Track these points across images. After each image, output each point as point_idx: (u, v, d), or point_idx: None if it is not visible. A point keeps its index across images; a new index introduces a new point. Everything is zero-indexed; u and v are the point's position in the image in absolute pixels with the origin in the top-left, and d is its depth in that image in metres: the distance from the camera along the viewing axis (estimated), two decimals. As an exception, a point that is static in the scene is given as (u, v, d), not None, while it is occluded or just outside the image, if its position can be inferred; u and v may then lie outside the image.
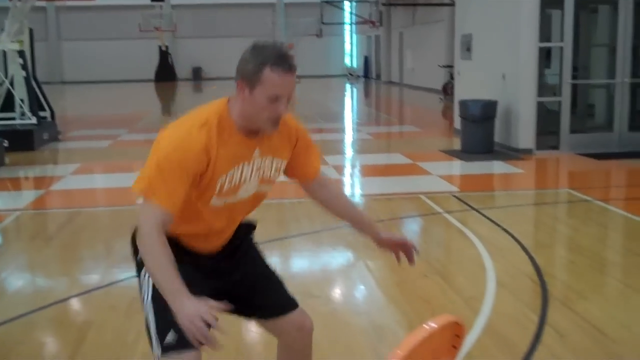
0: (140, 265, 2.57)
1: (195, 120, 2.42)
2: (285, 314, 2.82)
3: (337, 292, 5.28)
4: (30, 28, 15.43)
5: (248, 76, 2.35)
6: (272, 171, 2.63)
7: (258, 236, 2.91)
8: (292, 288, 2.90)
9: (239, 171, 2.50)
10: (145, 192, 2.36)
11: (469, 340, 4.25)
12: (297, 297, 2.87)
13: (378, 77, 36.79)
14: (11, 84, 14.22)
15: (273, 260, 5.72)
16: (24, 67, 14.08)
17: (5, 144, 12.10)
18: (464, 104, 11.52)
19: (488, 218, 7.14)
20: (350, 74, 40.72)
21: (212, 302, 2.26)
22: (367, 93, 31.08)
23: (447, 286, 5.27)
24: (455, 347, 2.47)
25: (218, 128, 2.41)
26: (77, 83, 38.99)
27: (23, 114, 14.15)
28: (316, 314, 3.02)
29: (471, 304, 4.87)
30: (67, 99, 29.59)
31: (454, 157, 11.11)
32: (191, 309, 2.21)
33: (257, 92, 2.34)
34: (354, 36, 43.09)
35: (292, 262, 6.07)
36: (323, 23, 37.55)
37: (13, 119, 14.30)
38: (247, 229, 2.83)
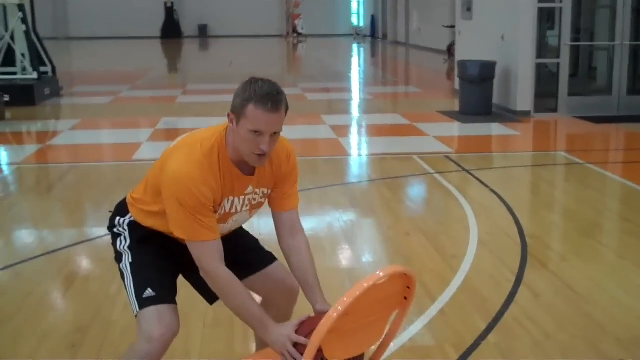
0: (116, 235, 2.79)
1: (199, 156, 2.50)
2: (264, 267, 2.92)
3: (319, 249, 5.35)
4: (31, -18, 15.34)
5: (236, 110, 2.45)
6: (260, 199, 2.73)
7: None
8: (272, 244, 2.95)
9: (230, 203, 2.62)
10: (190, 238, 2.51)
11: (445, 296, 4.35)
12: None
13: (385, 37, 36.52)
14: (12, 38, 14.22)
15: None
16: (24, 21, 14.04)
17: (6, 98, 12.16)
18: (462, 64, 11.49)
19: (478, 179, 7.19)
20: (357, 34, 40.40)
21: (291, 331, 2.40)
22: (371, 53, 30.91)
23: (429, 245, 5.34)
24: (407, 299, 2.55)
25: (218, 162, 2.52)
26: (83, 39, 38.78)
27: (24, 68, 14.17)
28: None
29: (451, 262, 4.95)
30: (71, 54, 29.52)
31: (451, 118, 11.11)
32: (275, 335, 2.42)
33: (242, 125, 2.44)
34: (362, -5, 42.69)
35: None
36: (330, -19, 37.30)
37: (14, 73, 14.33)
38: None
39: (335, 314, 2.21)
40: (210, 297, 2.81)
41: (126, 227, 2.76)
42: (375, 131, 10.65)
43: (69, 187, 7.35)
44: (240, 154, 2.51)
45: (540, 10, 11.02)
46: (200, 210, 2.47)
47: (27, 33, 14.15)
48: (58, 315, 4.16)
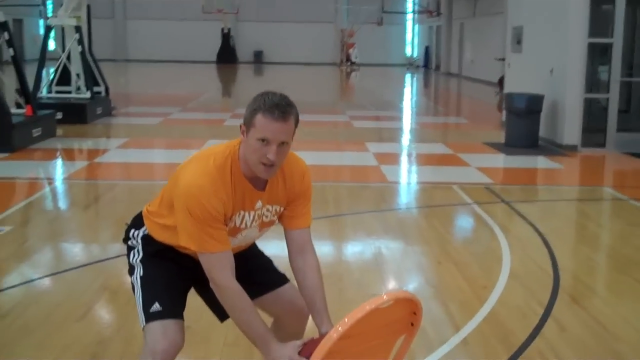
0: (130, 248, 2.83)
1: (212, 169, 2.54)
2: (276, 288, 2.92)
3: (348, 274, 5.33)
4: (88, 5, 15.75)
5: (246, 121, 2.52)
6: (272, 216, 2.75)
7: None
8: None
9: (240, 217, 2.64)
10: (201, 250, 2.54)
11: (469, 326, 4.28)
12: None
13: (438, 68, 36.51)
14: (68, 58, 14.60)
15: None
16: (80, 42, 14.41)
17: (59, 116, 12.49)
18: (509, 96, 11.40)
19: (517, 212, 7.10)
20: (410, 64, 40.48)
21: (294, 352, 2.41)
22: (423, 83, 30.89)
23: (460, 274, 5.28)
24: (413, 325, 2.52)
25: (231, 175, 2.56)
26: (140, 61, 39.66)
27: (78, 88, 14.54)
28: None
29: (480, 292, 4.88)
30: (128, 76, 30.14)
31: (496, 150, 11.01)
32: (277, 356, 2.45)
33: (250, 134, 2.48)
34: (416, 26, 42.79)
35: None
36: (384, 11, 37.43)
37: (69, 92, 14.71)
38: None
39: (335, 335, 2.20)
40: (221, 314, 2.81)
41: (140, 240, 2.80)
42: (418, 160, 10.62)
43: (112, 203, 7.48)
44: (250, 166, 2.54)
45: (592, 45, 10.89)
46: (210, 222, 2.50)
47: (82, 54, 14.52)
48: (83, 327, 4.20)
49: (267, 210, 2.71)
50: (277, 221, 2.80)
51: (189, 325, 4.05)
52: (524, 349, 3.99)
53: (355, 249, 5.84)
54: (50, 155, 10.25)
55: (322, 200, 7.45)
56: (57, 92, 14.81)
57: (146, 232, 2.80)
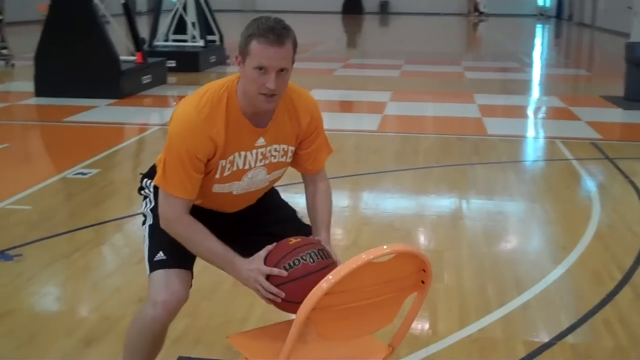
0: (144, 197, 2.72)
1: (205, 103, 2.38)
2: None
3: (419, 228, 5.11)
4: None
5: (241, 49, 2.33)
6: (281, 157, 2.57)
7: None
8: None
9: (241, 158, 2.47)
10: (162, 184, 2.41)
11: (535, 289, 4.01)
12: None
13: (570, 18, 34.77)
14: (184, 8, 14.81)
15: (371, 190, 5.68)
16: (196, -10, 14.57)
17: (172, 64, 12.75)
18: (630, 46, 10.62)
19: (619, 169, 6.61)
20: (541, 14, 38.77)
21: (260, 263, 2.30)
22: (550, 34, 29.50)
23: (540, 233, 5.00)
24: (424, 282, 2.33)
25: (226, 112, 2.39)
26: (268, 12, 39.94)
27: (193, 37, 14.74)
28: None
29: (557, 253, 4.57)
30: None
31: (613, 104, 10.32)
32: (244, 272, 2.32)
33: (247, 64, 2.30)
34: (550, -26, 40.85)
35: (390, 195, 5.91)
36: (516, -41, 35.91)
37: (185, 41, 14.96)
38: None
39: (325, 285, 2.02)
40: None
41: (152, 189, 2.66)
42: (524, 113, 10.09)
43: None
44: (248, 99, 2.36)
45: None
46: (186, 163, 2.34)
47: (197, 3, 14.67)
48: (139, 270, 4.16)
49: (275, 150, 2.52)
50: (288, 164, 2.62)
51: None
52: (589, 316, 3.70)
53: (432, 204, 5.60)
54: (156, 101, 10.46)
55: (413, 152, 7.23)
56: (173, 40, 15.10)
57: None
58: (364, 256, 2.05)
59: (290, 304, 2.27)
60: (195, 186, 2.41)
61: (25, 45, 13.85)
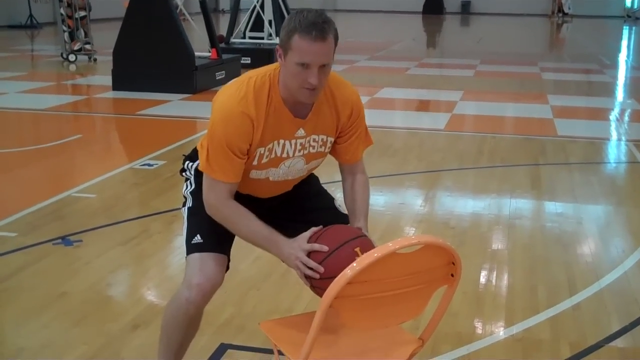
0: (185, 180, 2.77)
1: (247, 91, 2.40)
2: None
3: (474, 228, 5.05)
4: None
5: (282, 43, 2.33)
6: (319, 147, 2.58)
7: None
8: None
9: (280, 146, 2.49)
10: (206, 170, 2.45)
11: (588, 291, 3.93)
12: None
13: (659, 20, 33.67)
14: (262, 6, 14.98)
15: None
16: (273, -11, 14.73)
17: (247, 60, 12.94)
18: None
19: (693, 174, 6.40)
20: (629, 16, 37.62)
21: (303, 241, 2.33)
22: (636, 36, 28.58)
23: (599, 235, 4.87)
24: (454, 276, 2.31)
25: (267, 100, 2.41)
26: (349, 11, 39.93)
27: (270, 34, 14.91)
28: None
29: (615, 256, 4.46)
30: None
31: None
32: (286, 250, 2.36)
33: (289, 58, 2.31)
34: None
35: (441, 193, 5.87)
36: (603, -42, 34.93)
37: (261, 38, 15.15)
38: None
39: (350, 272, 2.03)
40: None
41: (193, 172, 2.72)
42: (598, 115, 9.81)
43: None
44: (290, 91, 2.38)
45: None
46: (227, 150, 2.39)
47: (274, 1, 14.83)
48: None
49: (314, 140, 2.54)
50: (327, 154, 2.63)
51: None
52: (631, 328, 3.59)
53: (491, 203, 5.52)
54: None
55: (478, 151, 7.15)
56: (250, 37, 15.32)
57: (198, 165, 2.74)
58: (390, 245, 2.05)
59: (330, 280, 2.29)
60: (238, 171, 2.44)
61: (108, 41, 14.26)
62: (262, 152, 2.47)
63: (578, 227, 5.07)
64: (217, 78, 11.21)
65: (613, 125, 9.12)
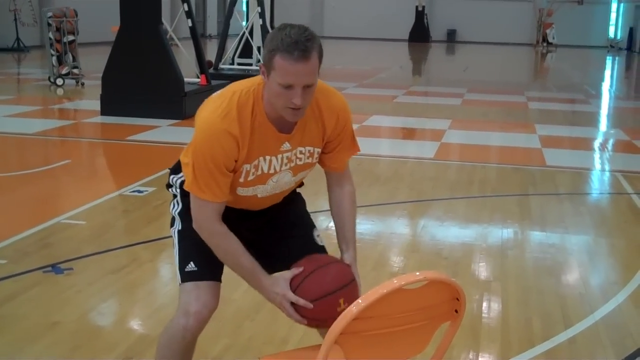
0: (173, 196, 2.70)
1: (231, 107, 2.33)
2: (293, 263, 2.52)
3: (466, 258, 5.04)
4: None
5: (265, 61, 2.26)
6: (307, 159, 2.53)
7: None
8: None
9: (266, 162, 2.44)
10: (194, 191, 2.39)
11: (583, 324, 3.92)
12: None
13: (642, 50, 34.11)
14: (250, 32, 15.05)
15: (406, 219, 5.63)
16: (261, 15, 14.79)
17: (234, 87, 12.93)
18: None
19: (681, 205, 6.44)
20: (612, 46, 38.11)
21: (286, 287, 2.36)
22: (620, 66, 28.93)
23: (591, 267, 4.87)
24: (457, 312, 2.29)
25: (251, 116, 2.35)
26: (335, 38, 40.20)
27: (258, 60, 14.95)
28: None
29: (607, 288, 4.46)
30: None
31: (680, 138, 10.07)
32: (271, 294, 2.39)
33: (272, 78, 2.24)
34: (621, 5, 40.15)
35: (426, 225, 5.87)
36: (587, -11, 35.39)
37: (250, 64, 15.20)
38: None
39: (355, 309, 2.01)
40: (269, 267, 2.53)
41: (179, 188, 2.64)
42: (585, 145, 9.88)
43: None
44: (275, 109, 2.32)
45: None
46: (214, 167, 2.32)
47: (263, 27, 14.90)
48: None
49: (300, 152, 2.47)
50: (314, 164, 2.58)
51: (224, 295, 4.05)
52: (638, 354, 3.59)
53: (483, 233, 5.52)
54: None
55: (468, 181, 7.17)
56: (239, 64, 15.36)
57: (183, 179, 2.56)
58: (395, 282, 2.03)
59: (316, 321, 2.34)
60: (224, 189, 2.39)
61: (96, 65, 14.25)
62: (248, 169, 2.41)
63: (570, 258, 5.07)
64: (205, 104, 11.19)
65: (600, 155, 9.20)
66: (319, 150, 2.54)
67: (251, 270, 2.41)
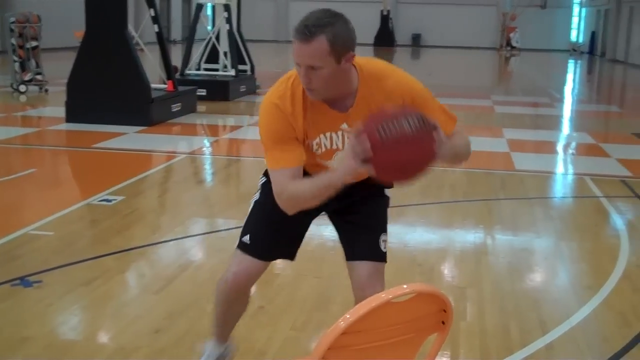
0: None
1: (285, 89, 2.50)
2: (352, 260, 2.77)
3: (441, 263, 5.03)
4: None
5: None
6: None
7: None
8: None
9: (327, 139, 2.55)
10: (269, 165, 2.53)
11: (559, 330, 3.91)
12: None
13: (603, 54, 34.61)
14: (217, 38, 14.93)
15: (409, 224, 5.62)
16: (228, 21, 14.69)
17: (202, 92, 12.86)
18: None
19: (650, 208, 6.51)
20: (574, 50, 38.65)
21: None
22: (583, 70, 29.35)
23: (565, 272, 4.89)
24: (444, 323, 2.27)
25: (303, 96, 2.48)
26: (299, 42, 40.19)
27: (225, 66, 14.86)
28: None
29: (582, 293, 4.47)
30: (283, 57, 30.57)
31: (646, 141, 10.21)
32: (344, 162, 2.31)
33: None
34: (583, 9, 40.76)
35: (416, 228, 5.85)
36: (549, -6, 35.83)
37: (216, 70, 15.09)
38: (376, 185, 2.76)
39: (343, 323, 1.98)
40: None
41: (260, 187, 2.88)
42: (553, 149, 9.99)
43: (226, 179, 7.54)
44: None
45: None
46: (278, 142, 2.48)
47: (230, 32, 14.79)
48: (157, 300, 4.18)
49: None
50: None
51: (262, 305, 4.01)
52: (615, 359, 3.59)
53: (455, 238, 5.53)
54: (185, 130, 10.51)
55: (438, 186, 7.16)
56: (205, 69, 15.24)
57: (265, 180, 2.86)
58: (383, 295, 2.01)
59: (386, 170, 2.25)
60: (293, 154, 2.49)
61: (60, 71, 14.06)
62: (314, 145, 2.56)
63: (543, 262, 5.10)
64: (172, 110, 11.10)
65: (568, 158, 9.28)
66: None
67: (327, 179, 2.38)
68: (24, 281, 4.29)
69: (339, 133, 2.53)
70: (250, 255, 2.77)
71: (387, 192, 2.86)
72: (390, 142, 2.18)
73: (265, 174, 2.77)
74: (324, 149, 2.56)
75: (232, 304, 2.92)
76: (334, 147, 2.56)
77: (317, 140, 2.55)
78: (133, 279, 4.61)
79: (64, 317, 3.92)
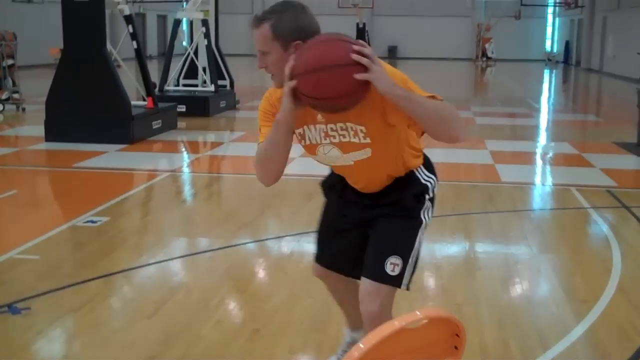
0: None
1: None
2: (361, 273, 2.83)
3: (434, 279, 4.98)
4: (216, -1, 15.98)
5: None
6: (352, 138, 2.59)
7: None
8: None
9: (309, 130, 2.64)
10: (259, 138, 2.71)
11: (560, 346, 3.87)
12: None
13: (578, 63, 34.92)
14: (195, 53, 14.84)
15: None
16: (206, 36, 14.61)
17: (182, 109, 12.76)
18: (642, 92, 10.58)
19: (637, 217, 6.50)
20: (549, 59, 38.97)
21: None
22: (559, 79, 29.58)
23: (558, 285, 4.85)
24: (457, 348, 2.21)
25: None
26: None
27: (204, 81, 14.76)
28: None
29: (578, 307, 4.43)
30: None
31: (627, 150, 10.23)
32: (282, 111, 2.53)
33: None
34: (557, 19, 41.15)
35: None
36: (523, 4, 36.01)
37: (195, 85, 14.99)
38: (407, 193, 2.80)
39: (357, 353, 1.92)
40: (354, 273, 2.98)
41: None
42: (537, 159, 10.02)
43: (210, 197, 7.46)
44: None
45: None
46: (263, 117, 2.69)
47: (208, 48, 14.71)
48: (150, 325, 4.08)
49: (342, 129, 2.57)
50: (368, 145, 2.60)
51: (257, 329, 3.93)
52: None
53: (447, 253, 5.48)
54: (166, 147, 10.40)
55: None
56: (184, 85, 15.14)
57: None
58: (396, 323, 1.95)
59: (305, 83, 2.40)
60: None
61: (36, 89, 13.90)
62: (299, 135, 2.67)
63: (537, 276, 5.06)
64: (153, 127, 10.98)
65: (552, 170, 9.27)
66: (363, 129, 2.56)
67: (274, 131, 2.56)
68: (11, 308, 4.18)
69: (317, 127, 2.60)
70: (317, 262, 3.16)
71: (425, 216, 2.81)
72: (309, 54, 2.40)
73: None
74: (307, 142, 2.67)
75: (331, 293, 3.30)
76: (314, 142, 2.65)
77: (300, 131, 2.64)
78: (123, 303, 4.51)
79: (55, 345, 3.82)
